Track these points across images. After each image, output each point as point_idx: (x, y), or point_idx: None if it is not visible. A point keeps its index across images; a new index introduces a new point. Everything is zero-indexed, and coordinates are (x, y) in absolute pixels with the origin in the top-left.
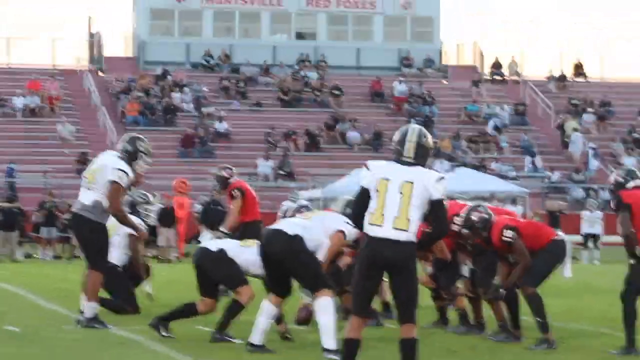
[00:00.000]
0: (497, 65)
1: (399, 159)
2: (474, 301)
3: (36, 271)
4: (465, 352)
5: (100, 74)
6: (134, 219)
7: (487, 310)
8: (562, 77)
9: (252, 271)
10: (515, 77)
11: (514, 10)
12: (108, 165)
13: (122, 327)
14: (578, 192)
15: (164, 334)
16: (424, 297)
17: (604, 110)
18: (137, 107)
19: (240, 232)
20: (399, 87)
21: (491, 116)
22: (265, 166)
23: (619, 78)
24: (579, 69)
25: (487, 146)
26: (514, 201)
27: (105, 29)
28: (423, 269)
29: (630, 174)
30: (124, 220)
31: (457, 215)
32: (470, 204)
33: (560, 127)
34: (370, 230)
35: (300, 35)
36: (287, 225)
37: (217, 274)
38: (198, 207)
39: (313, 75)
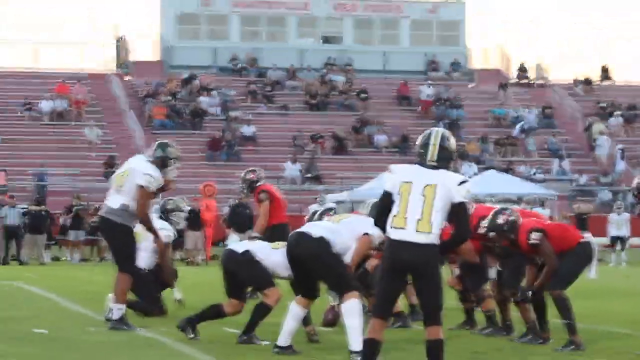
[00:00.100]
0: (523, 69)
1: (422, 162)
2: (501, 303)
3: (63, 274)
4: (492, 353)
5: (127, 78)
6: (164, 224)
7: (514, 312)
8: (589, 81)
9: (279, 273)
10: (541, 81)
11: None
12: (137, 169)
13: (149, 329)
14: (605, 195)
15: (191, 335)
16: (451, 299)
17: (631, 113)
18: (164, 111)
19: (268, 235)
20: (426, 91)
21: (518, 119)
22: (292, 169)
23: None
24: (605, 73)
25: (514, 149)
26: (542, 204)
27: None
28: (450, 271)
29: None
30: (148, 226)
31: (484, 218)
32: (497, 206)
33: (588, 130)
34: (393, 233)
35: (327, 39)
36: (314, 228)
37: (244, 275)
38: (225, 210)
39: (340, 78)
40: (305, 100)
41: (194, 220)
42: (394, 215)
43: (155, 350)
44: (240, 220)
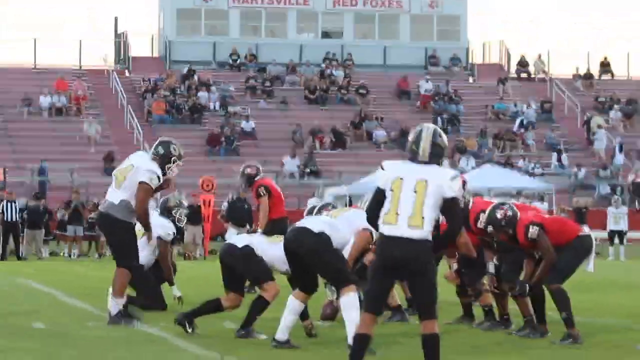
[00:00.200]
0: (523, 63)
1: (414, 158)
2: (499, 297)
3: (61, 269)
4: (491, 348)
5: (126, 73)
6: (164, 221)
7: (512, 306)
8: (589, 75)
9: (277, 267)
10: (541, 75)
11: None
12: (140, 166)
13: (148, 324)
14: (604, 189)
15: (189, 330)
16: (450, 293)
17: (630, 107)
18: (163, 106)
19: (267, 229)
20: (425, 86)
21: (517, 114)
22: (291, 164)
23: None
24: (605, 67)
25: (514, 143)
26: (542, 198)
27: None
28: (449, 266)
29: None
30: (145, 222)
31: (483, 212)
32: (495, 201)
33: (587, 124)
34: (385, 229)
35: (326, 34)
36: (313, 223)
37: (243, 269)
38: (224, 205)
39: (339, 73)
40: (304, 95)
41: (193, 215)
42: (386, 212)
43: (154, 346)
44: (238, 215)
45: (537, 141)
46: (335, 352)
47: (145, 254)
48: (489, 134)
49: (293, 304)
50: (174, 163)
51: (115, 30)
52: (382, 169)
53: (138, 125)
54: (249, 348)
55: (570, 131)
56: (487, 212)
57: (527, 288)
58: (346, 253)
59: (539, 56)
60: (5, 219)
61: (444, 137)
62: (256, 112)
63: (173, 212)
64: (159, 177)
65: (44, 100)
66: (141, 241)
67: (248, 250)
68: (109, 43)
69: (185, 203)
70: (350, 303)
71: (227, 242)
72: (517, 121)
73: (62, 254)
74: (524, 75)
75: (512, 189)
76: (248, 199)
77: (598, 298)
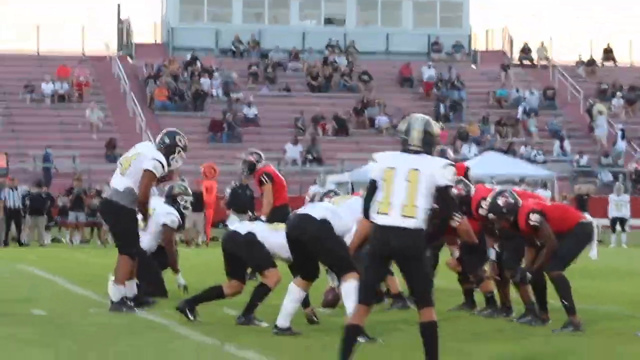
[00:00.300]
0: (526, 50)
1: (405, 148)
2: (500, 284)
3: (63, 256)
4: (492, 334)
5: (129, 60)
6: (170, 209)
7: (513, 293)
8: (591, 62)
9: (279, 254)
10: (544, 62)
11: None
12: (146, 154)
13: (150, 311)
14: (606, 176)
15: (190, 317)
16: (451, 280)
17: (633, 94)
18: (165, 93)
19: (269, 216)
20: (428, 72)
21: (520, 101)
22: (293, 151)
23: None
24: (608, 54)
25: (516, 130)
26: (544, 185)
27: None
28: (450, 253)
29: None
30: (144, 210)
31: (484, 199)
32: (497, 188)
33: (589, 111)
34: (378, 219)
35: (329, 21)
36: (315, 210)
37: (245, 256)
38: (227, 192)
39: (342, 60)
40: (307, 82)
41: (195, 201)
42: (379, 202)
43: (155, 333)
44: (240, 202)
45: (540, 128)
46: (336, 339)
47: (148, 240)
48: (491, 120)
49: (294, 291)
50: (178, 154)
51: (118, 17)
52: (374, 160)
53: (140, 111)
54: (250, 335)
55: (573, 118)
56: (488, 199)
57: (528, 275)
58: (348, 240)
59: (542, 43)
60: (7, 205)
61: (435, 126)
62: (258, 99)
63: (178, 199)
64: (163, 166)
65: (46, 87)
66: (147, 227)
67: (250, 237)
68: (111, 29)
69: (190, 191)
70: (351, 290)
71: (229, 229)
72: (520, 108)
73: (63, 240)
74: (526, 62)
75: (514, 176)
76: (250, 186)
77: (600, 285)
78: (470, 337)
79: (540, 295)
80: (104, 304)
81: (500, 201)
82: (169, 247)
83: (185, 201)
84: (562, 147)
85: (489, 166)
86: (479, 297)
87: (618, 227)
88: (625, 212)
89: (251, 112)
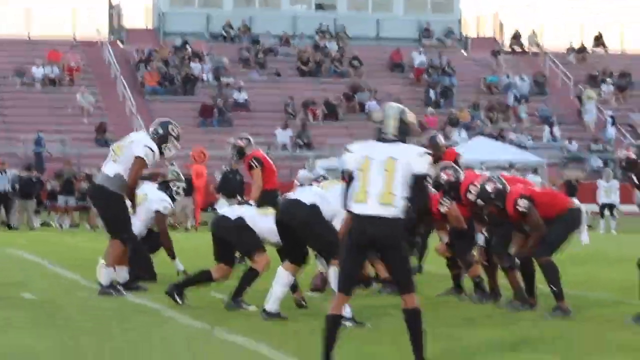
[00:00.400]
0: (516, 37)
1: (380, 137)
2: (489, 269)
3: (53, 240)
4: (481, 320)
5: (120, 45)
6: (162, 195)
7: (502, 278)
8: (582, 49)
9: (268, 239)
10: (534, 49)
11: None
12: (139, 141)
13: (139, 295)
14: (596, 162)
15: (179, 301)
16: (440, 265)
17: (623, 81)
18: (156, 78)
19: (259, 200)
20: (419, 58)
21: (510, 87)
22: (283, 136)
23: (639, 50)
24: (599, 40)
25: (506, 116)
26: (535, 171)
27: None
28: (439, 238)
29: None
30: (132, 196)
31: (473, 184)
32: (486, 173)
33: (579, 98)
34: (356, 208)
35: (320, 6)
36: (304, 195)
37: (234, 240)
38: (217, 176)
39: (333, 46)
40: (297, 67)
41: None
42: (356, 192)
43: (144, 316)
44: (230, 186)
45: (530, 114)
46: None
47: (138, 225)
48: (481, 106)
49: (283, 275)
50: (171, 142)
51: (109, 2)
52: (349, 151)
53: (131, 96)
54: (239, 319)
55: (563, 105)
56: (477, 185)
57: (517, 261)
58: (337, 225)
59: (533, 30)
60: None
61: (410, 115)
62: (249, 84)
63: (171, 185)
64: (154, 154)
65: (37, 71)
66: (138, 211)
67: (239, 221)
68: (102, 14)
69: (183, 177)
70: None
71: (218, 213)
72: (511, 95)
73: (53, 224)
74: (517, 48)
75: (504, 162)
76: (240, 171)
77: (589, 271)
78: (459, 322)
79: (529, 280)
80: (93, 288)
81: (489, 187)
82: (164, 234)
83: (178, 187)
84: (552, 133)
85: (479, 152)
86: (467, 282)
87: (607, 213)
88: (615, 198)
89: (241, 97)
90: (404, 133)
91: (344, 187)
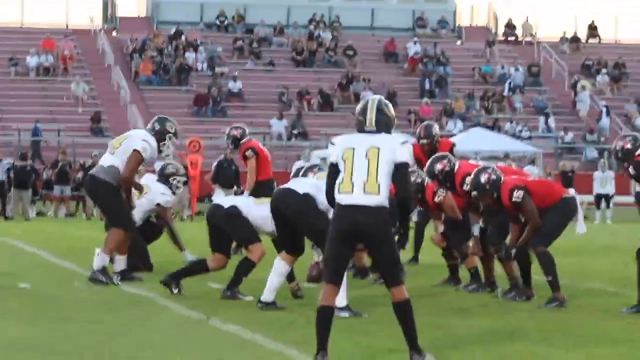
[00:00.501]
0: (511, 26)
1: (362, 128)
2: (485, 260)
3: (48, 229)
4: (476, 310)
5: (114, 33)
6: (162, 188)
7: (498, 268)
8: (576, 39)
9: (263, 229)
10: (529, 38)
11: None
12: (138, 136)
13: (135, 285)
14: (591, 152)
15: (175, 291)
16: (436, 255)
17: (618, 71)
18: (150, 67)
19: (254, 190)
20: (413, 48)
21: (505, 77)
22: (278, 125)
23: (633, 40)
24: (593, 31)
25: (501, 106)
26: (533, 162)
27: None
28: (435, 228)
29: (637, 140)
30: (127, 191)
31: (468, 175)
32: (481, 164)
33: (574, 88)
34: (340, 198)
35: None
36: (299, 185)
37: (229, 230)
38: (212, 166)
39: (327, 35)
40: (292, 57)
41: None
42: (340, 182)
43: (140, 306)
44: (225, 176)
45: (525, 104)
46: None
47: (136, 214)
48: (476, 96)
49: (279, 265)
50: (169, 139)
51: None
52: (333, 144)
53: (125, 85)
54: (235, 309)
55: (558, 95)
56: (472, 176)
57: (513, 251)
58: (331, 215)
59: (527, 20)
60: None
61: (390, 107)
62: (243, 73)
63: (170, 179)
64: (152, 150)
65: (31, 60)
66: (140, 202)
67: (234, 211)
68: (96, 3)
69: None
70: None
71: (214, 203)
72: (506, 85)
73: (48, 214)
74: (511, 38)
75: (499, 152)
76: (235, 161)
77: (584, 262)
78: (455, 312)
79: (525, 271)
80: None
81: (483, 178)
82: (170, 227)
83: (178, 181)
84: (547, 123)
85: (474, 142)
86: (463, 272)
87: (603, 204)
88: (610, 188)
89: (236, 86)
90: (384, 124)
91: (327, 179)
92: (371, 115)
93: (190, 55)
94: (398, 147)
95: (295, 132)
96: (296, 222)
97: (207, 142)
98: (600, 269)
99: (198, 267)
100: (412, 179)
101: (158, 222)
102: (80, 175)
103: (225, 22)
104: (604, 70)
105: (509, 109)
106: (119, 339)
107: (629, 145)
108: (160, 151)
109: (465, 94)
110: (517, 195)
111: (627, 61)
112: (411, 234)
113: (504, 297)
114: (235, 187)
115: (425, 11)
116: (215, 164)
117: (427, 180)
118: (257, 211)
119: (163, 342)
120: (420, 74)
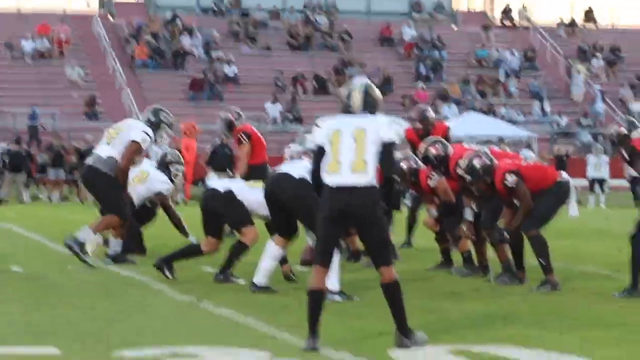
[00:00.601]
0: (507, 11)
1: (347, 110)
2: (477, 244)
3: (43, 213)
4: (469, 294)
5: (110, 18)
6: (162, 176)
7: (491, 252)
8: (572, 23)
9: (257, 212)
10: (525, 23)
11: None
12: (137, 126)
13: (127, 268)
14: (586, 137)
15: (168, 274)
16: (429, 239)
17: (613, 56)
18: (146, 51)
19: (248, 174)
20: (409, 32)
21: (500, 61)
22: (273, 110)
23: (629, 25)
24: (589, 15)
25: (496, 91)
26: (529, 146)
27: None
28: (427, 212)
29: (632, 125)
30: (123, 180)
31: (462, 158)
32: (474, 148)
33: (569, 73)
34: (329, 179)
35: None
36: (293, 168)
37: (223, 214)
38: (207, 149)
39: (323, 20)
40: (287, 41)
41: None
42: (328, 163)
43: (133, 290)
44: (220, 160)
45: (520, 89)
46: None
47: (134, 199)
48: (471, 81)
49: (272, 249)
50: (164, 129)
51: None
52: (317, 126)
53: (121, 70)
54: (228, 292)
55: (553, 79)
56: (465, 160)
57: (506, 235)
58: None
59: (523, 4)
60: None
61: (376, 90)
62: (239, 58)
63: (170, 167)
64: (150, 141)
65: (27, 44)
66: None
67: (228, 194)
68: None
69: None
70: None
71: (208, 186)
72: (502, 70)
73: (42, 198)
74: (507, 23)
75: (494, 137)
76: (230, 145)
77: (578, 245)
78: (448, 295)
79: (518, 254)
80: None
81: (477, 162)
82: (172, 214)
83: (177, 169)
84: (542, 108)
85: (470, 127)
86: (456, 256)
87: (597, 188)
88: (604, 173)
89: (232, 70)
90: (370, 106)
91: (313, 161)
92: (357, 98)
93: (186, 40)
94: (384, 126)
95: (290, 116)
96: (292, 206)
97: (202, 126)
98: (594, 252)
99: (191, 251)
100: (408, 164)
101: (152, 206)
102: (74, 158)
103: (221, 7)
104: (599, 55)
105: (504, 94)
106: (112, 321)
107: (624, 130)
108: (154, 141)
109: (461, 79)
110: (510, 179)
111: (623, 45)
112: (404, 217)
113: (497, 281)
114: (229, 171)
115: None
116: (211, 147)
117: (421, 165)
118: (251, 195)
119: (156, 324)
120: (415, 58)
